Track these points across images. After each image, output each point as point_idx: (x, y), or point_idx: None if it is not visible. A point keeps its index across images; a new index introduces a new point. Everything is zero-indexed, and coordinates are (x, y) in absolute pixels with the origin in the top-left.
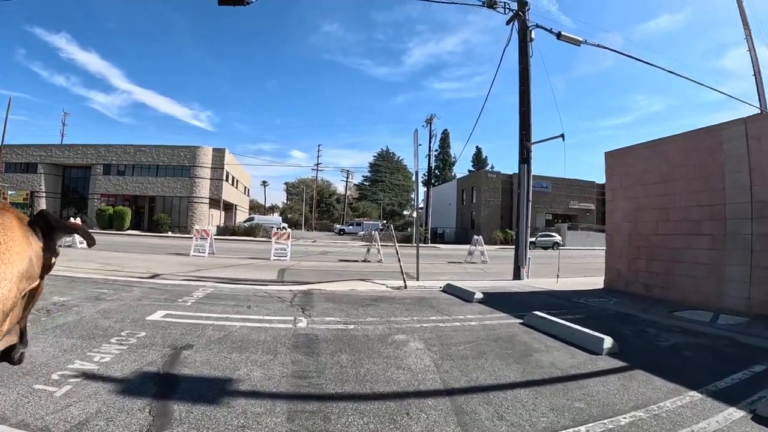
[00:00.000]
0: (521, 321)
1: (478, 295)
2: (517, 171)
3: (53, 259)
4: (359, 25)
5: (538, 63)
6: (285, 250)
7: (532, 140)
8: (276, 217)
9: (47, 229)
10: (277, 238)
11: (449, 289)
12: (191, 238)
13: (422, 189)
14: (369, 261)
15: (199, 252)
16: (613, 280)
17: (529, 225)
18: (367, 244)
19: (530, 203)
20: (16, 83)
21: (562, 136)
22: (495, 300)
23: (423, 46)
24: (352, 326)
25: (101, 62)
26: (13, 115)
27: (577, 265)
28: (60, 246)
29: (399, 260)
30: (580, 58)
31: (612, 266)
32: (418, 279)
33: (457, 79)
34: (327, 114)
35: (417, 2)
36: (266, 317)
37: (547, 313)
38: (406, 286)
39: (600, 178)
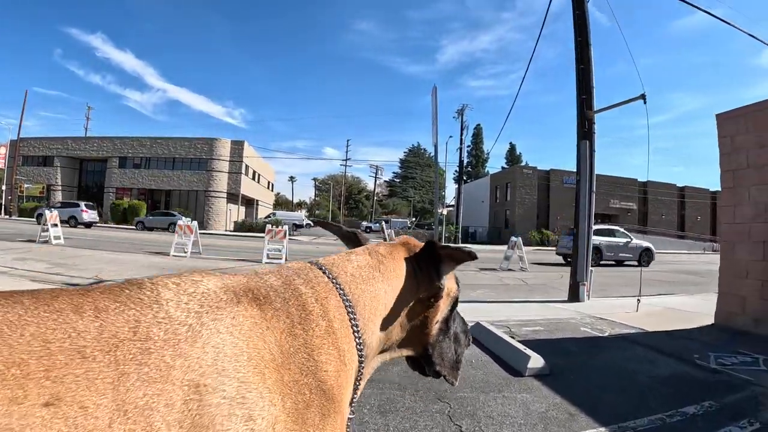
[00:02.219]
0: None
1: (535, 363)
2: (553, 167)
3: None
4: (393, 23)
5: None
6: (280, 251)
7: (595, 107)
8: (299, 214)
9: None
10: (271, 237)
11: (479, 335)
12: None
13: (453, 184)
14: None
15: (183, 251)
16: (732, 313)
17: (592, 225)
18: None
19: (593, 194)
20: (53, 81)
21: (643, 97)
22: (564, 369)
23: (457, 43)
24: None
25: (136, 61)
26: (52, 113)
27: (632, 275)
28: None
29: None
30: (616, 56)
31: (730, 291)
32: None
33: (491, 77)
34: (360, 112)
35: None
36: None
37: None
38: None
39: (641, 176)
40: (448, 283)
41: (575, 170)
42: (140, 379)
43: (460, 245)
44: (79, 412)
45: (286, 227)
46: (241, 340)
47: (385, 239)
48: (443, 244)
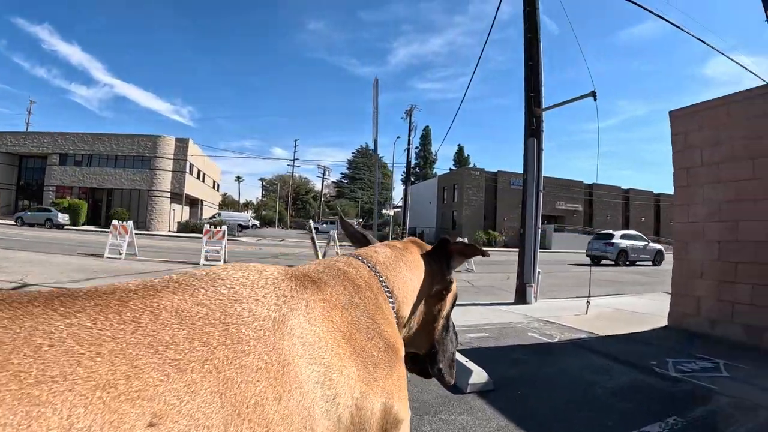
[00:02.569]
0: None
1: (478, 378)
2: (501, 169)
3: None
4: (346, 23)
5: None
6: (218, 252)
7: (544, 104)
8: (244, 214)
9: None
10: (209, 238)
11: None
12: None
13: (401, 185)
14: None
15: (118, 253)
16: (687, 314)
17: (540, 225)
18: (327, 245)
19: (541, 193)
20: None
21: (593, 94)
22: (511, 382)
23: (408, 46)
24: None
25: (83, 54)
26: None
27: (581, 274)
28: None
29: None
30: (565, 62)
31: (684, 292)
32: None
33: (441, 80)
34: (310, 112)
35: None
36: None
37: None
38: None
39: (588, 178)
40: (454, 281)
41: (523, 170)
42: (245, 381)
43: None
44: (190, 424)
45: (224, 227)
46: (318, 326)
47: (329, 242)
48: (454, 240)
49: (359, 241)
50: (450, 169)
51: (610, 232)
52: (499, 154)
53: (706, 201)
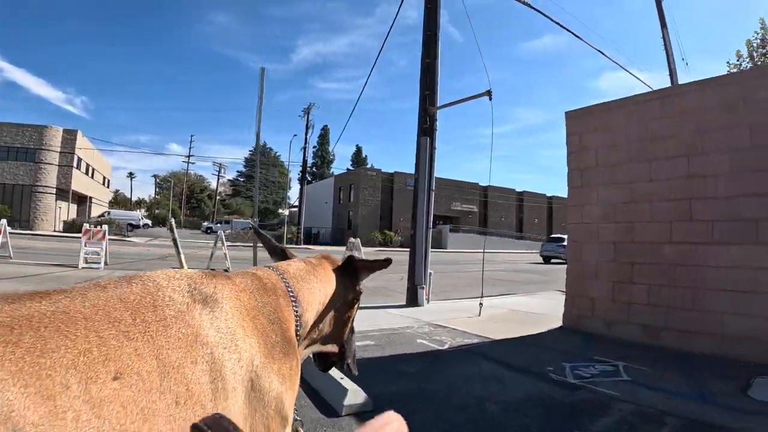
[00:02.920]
0: None
1: (354, 398)
2: (397, 170)
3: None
4: (250, 18)
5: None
6: (99, 254)
7: (439, 103)
8: (135, 213)
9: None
10: (89, 238)
11: None
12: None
13: (298, 184)
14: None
15: None
16: (582, 315)
17: (431, 225)
18: (215, 246)
19: (432, 192)
20: None
21: (489, 93)
22: (394, 399)
23: (312, 45)
24: None
25: None
26: None
27: (475, 274)
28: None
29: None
30: (466, 70)
31: (579, 293)
32: None
33: (343, 80)
34: (210, 108)
35: None
36: None
37: None
38: None
39: (484, 180)
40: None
41: (415, 169)
42: (170, 347)
43: (377, 258)
44: (138, 379)
45: (105, 228)
46: (225, 303)
47: (217, 242)
48: (359, 257)
49: (278, 254)
50: (347, 169)
51: (561, 236)
52: (399, 156)
53: (601, 202)
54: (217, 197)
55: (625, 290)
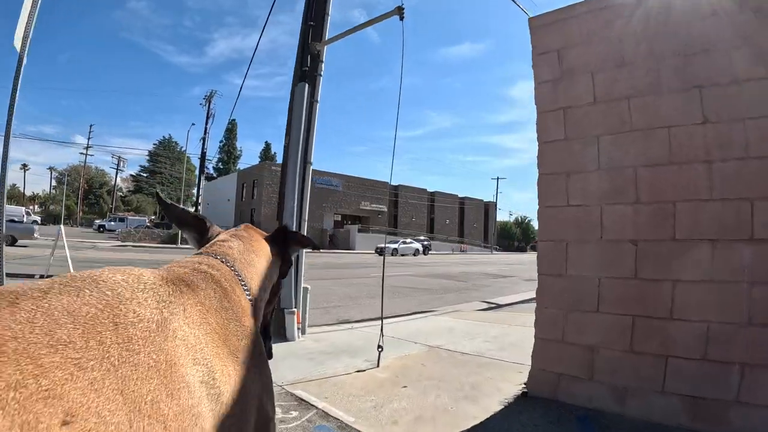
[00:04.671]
0: None
1: None
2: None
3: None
4: (168, 7)
5: None
6: None
7: (328, 35)
8: (18, 208)
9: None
10: None
11: None
12: None
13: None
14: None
15: None
16: (567, 377)
17: (306, 210)
18: (55, 245)
19: (309, 166)
20: None
21: (400, 11)
22: None
23: (229, 39)
24: None
25: None
26: None
27: (376, 282)
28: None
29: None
30: (381, 70)
31: (561, 336)
32: None
33: (257, 77)
34: (118, 99)
35: None
36: None
37: None
38: None
39: (393, 178)
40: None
41: (285, 131)
42: (140, 378)
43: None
44: (99, 422)
45: None
46: (197, 329)
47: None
48: (292, 230)
49: (192, 225)
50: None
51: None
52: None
53: (606, 165)
54: (117, 193)
55: (658, 331)
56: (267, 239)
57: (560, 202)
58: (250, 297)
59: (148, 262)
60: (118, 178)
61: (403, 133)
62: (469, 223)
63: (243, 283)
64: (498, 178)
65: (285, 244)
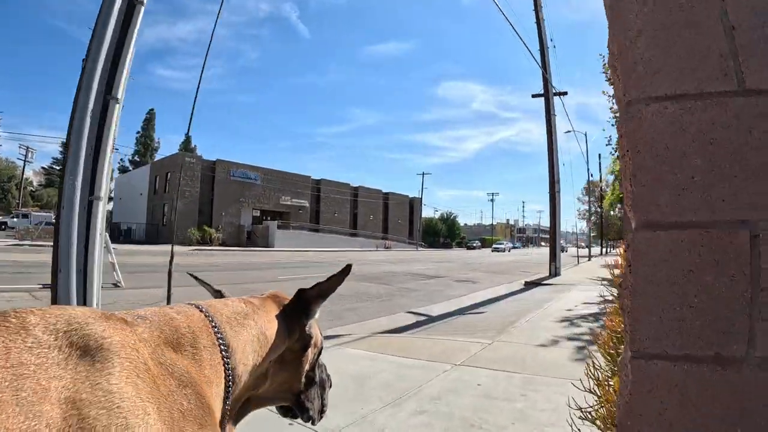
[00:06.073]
0: None
1: None
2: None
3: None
4: None
5: None
6: None
7: None
8: None
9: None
10: None
11: None
12: None
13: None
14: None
15: None
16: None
17: (106, 185)
18: None
19: (113, 121)
20: None
21: None
22: None
23: (155, 26)
24: None
25: None
26: None
27: (283, 284)
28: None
29: None
30: (306, 67)
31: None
32: None
33: (184, 68)
34: (39, 87)
35: None
36: None
37: None
38: None
39: (316, 174)
40: (314, 332)
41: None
42: (19, 404)
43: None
44: None
45: None
46: (115, 359)
47: None
48: (313, 286)
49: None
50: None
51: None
52: (234, 151)
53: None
54: (28, 187)
55: None
56: (282, 311)
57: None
58: (227, 359)
59: (36, 263)
60: (30, 171)
61: (327, 128)
62: (393, 219)
63: (221, 340)
64: (423, 174)
65: (305, 307)
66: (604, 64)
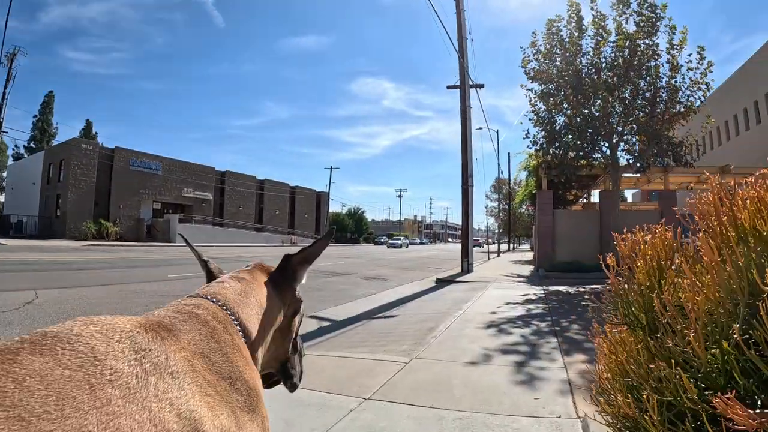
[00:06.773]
0: None
1: None
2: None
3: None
4: None
5: None
6: None
7: None
8: None
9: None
10: None
11: None
12: None
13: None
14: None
15: None
16: None
17: None
18: None
19: None
20: None
21: None
22: None
23: (65, 4)
24: None
25: None
26: None
27: (179, 285)
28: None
29: None
30: (220, 57)
31: None
32: None
33: (91, 50)
34: None
35: None
36: None
37: None
38: None
39: (221, 165)
40: (301, 296)
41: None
42: None
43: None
44: None
45: None
46: (182, 379)
47: None
48: (296, 252)
49: (203, 267)
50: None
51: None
52: (139, 141)
53: None
54: None
55: None
56: (270, 279)
57: None
58: (245, 338)
59: None
60: None
61: (237, 121)
62: (300, 213)
63: (237, 323)
64: (331, 168)
65: (292, 274)
66: (524, 58)
